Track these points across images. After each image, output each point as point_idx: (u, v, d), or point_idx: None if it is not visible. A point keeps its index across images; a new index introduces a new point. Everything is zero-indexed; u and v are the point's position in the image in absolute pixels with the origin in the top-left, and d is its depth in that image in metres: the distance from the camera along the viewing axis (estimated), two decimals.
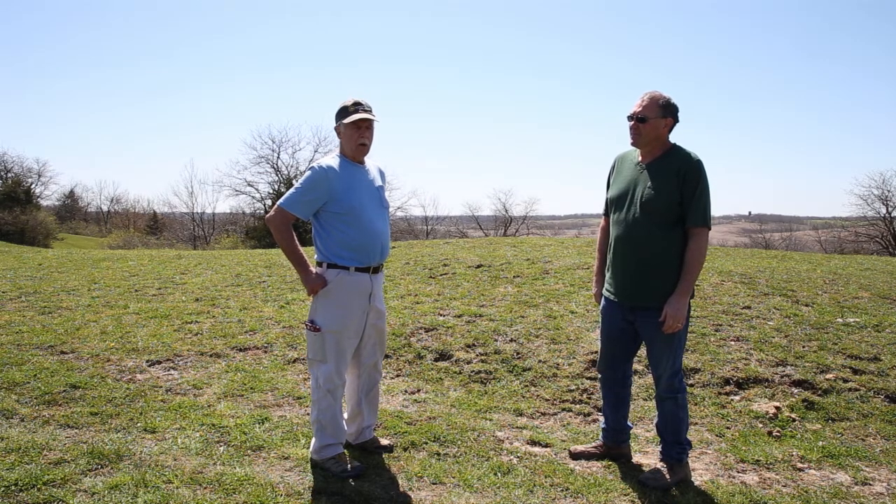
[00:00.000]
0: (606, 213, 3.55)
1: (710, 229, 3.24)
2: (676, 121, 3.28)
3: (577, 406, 4.38)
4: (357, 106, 3.32)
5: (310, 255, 3.44)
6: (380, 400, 3.82)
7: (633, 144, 3.36)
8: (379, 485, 3.21)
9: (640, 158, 3.36)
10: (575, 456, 3.59)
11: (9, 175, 45.09)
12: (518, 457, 3.58)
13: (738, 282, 7.15)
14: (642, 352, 3.88)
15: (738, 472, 3.51)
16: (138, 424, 3.81)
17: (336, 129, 3.40)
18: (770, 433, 3.98)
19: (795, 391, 4.50)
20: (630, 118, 3.29)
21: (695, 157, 3.21)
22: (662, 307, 3.19)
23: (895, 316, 6.00)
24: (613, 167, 3.54)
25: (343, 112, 3.34)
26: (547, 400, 4.48)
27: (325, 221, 3.34)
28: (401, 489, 3.18)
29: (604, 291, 3.52)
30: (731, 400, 4.44)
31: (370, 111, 3.34)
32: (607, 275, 3.48)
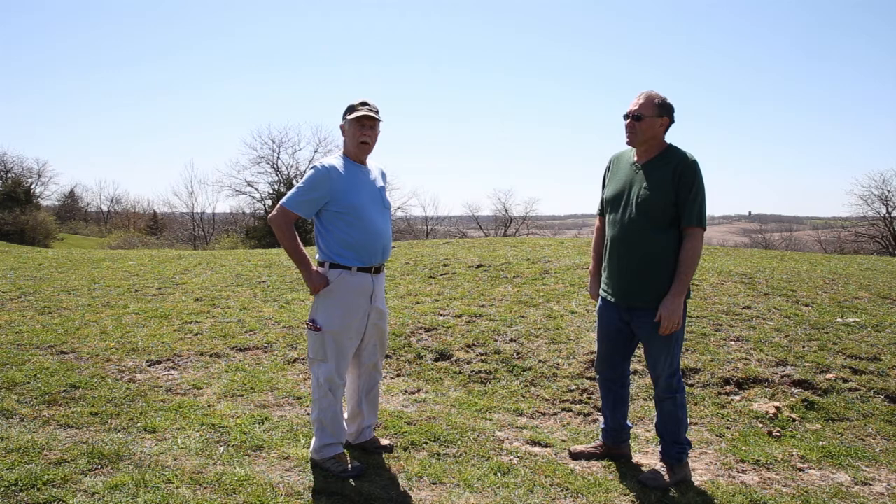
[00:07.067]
0: (602, 213, 3.55)
1: (705, 230, 3.23)
2: (672, 121, 3.28)
3: (577, 406, 4.38)
4: (363, 105, 3.39)
5: (311, 254, 3.44)
6: (380, 400, 3.82)
7: (628, 143, 3.35)
8: (379, 485, 3.21)
9: (635, 158, 3.35)
10: (575, 456, 3.59)
11: (9, 175, 45.13)
12: (518, 457, 3.58)
13: (738, 282, 7.16)
14: (641, 351, 3.87)
15: (738, 472, 3.51)
16: (138, 424, 3.81)
17: (341, 126, 3.44)
18: (770, 433, 3.98)
19: (795, 391, 4.50)
20: (626, 117, 3.29)
21: (690, 157, 3.21)
22: (658, 308, 3.19)
23: (895, 316, 6.01)
24: (609, 167, 3.53)
25: (349, 109, 3.41)
26: (547, 400, 4.48)
27: (326, 221, 3.35)
28: (401, 489, 3.18)
29: (600, 292, 3.52)
30: (731, 400, 4.44)
31: (376, 112, 3.39)
32: (603, 275, 3.48)
